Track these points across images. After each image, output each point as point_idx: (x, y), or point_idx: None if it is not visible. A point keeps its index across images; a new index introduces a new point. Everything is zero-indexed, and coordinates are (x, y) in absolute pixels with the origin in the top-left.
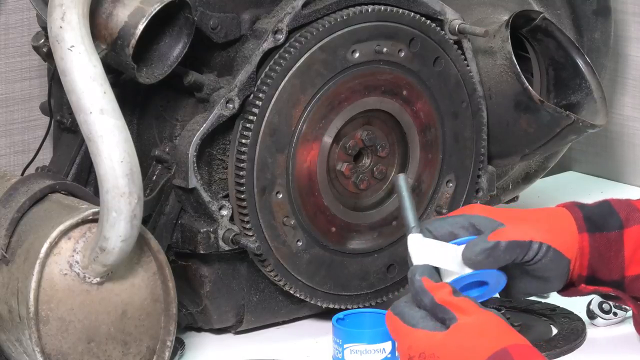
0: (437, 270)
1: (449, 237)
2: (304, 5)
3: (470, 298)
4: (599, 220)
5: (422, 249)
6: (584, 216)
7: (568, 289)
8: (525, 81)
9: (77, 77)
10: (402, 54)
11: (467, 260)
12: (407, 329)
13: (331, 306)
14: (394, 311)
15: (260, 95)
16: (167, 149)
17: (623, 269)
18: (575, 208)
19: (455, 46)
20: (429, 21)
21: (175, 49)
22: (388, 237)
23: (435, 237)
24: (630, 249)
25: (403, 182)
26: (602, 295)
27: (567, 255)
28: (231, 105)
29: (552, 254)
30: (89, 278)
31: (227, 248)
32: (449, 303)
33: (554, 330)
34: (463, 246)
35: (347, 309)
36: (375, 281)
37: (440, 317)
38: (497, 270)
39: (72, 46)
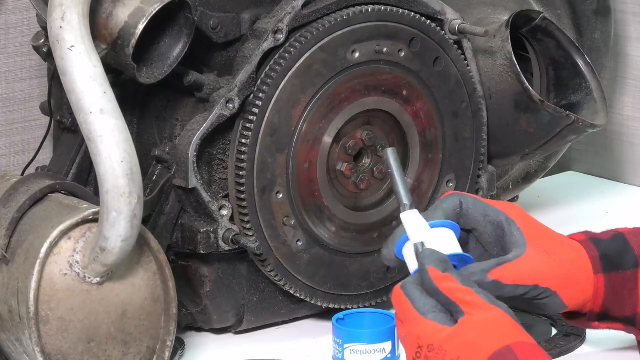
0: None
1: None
2: (304, 5)
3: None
4: (614, 257)
5: (417, 228)
6: (600, 255)
7: (578, 318)
8: (525, 81)
9: (77, 77)
10: (402, 54)
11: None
12: (417, 316)
13: (331, 306)
14: (405, 292)
15: (261, 95)
16: (167, 149)
17: (636, 306)
18: (591, 244)
19: (455, 46)
20: (429, 21)
21: (175, 49)
22: (388, 237)
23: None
24: None
25: (392, 155)
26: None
27: (567, 304)
28: (231, 105)
29: (554, 298)
30: (89, 278)
31: (227, 248)
32: (457, 297)
33: (554, 331)
34: (449, 231)
35: (347, 309)
36: (375, 281)
37: (448, 309)
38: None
39: (72, 46)
